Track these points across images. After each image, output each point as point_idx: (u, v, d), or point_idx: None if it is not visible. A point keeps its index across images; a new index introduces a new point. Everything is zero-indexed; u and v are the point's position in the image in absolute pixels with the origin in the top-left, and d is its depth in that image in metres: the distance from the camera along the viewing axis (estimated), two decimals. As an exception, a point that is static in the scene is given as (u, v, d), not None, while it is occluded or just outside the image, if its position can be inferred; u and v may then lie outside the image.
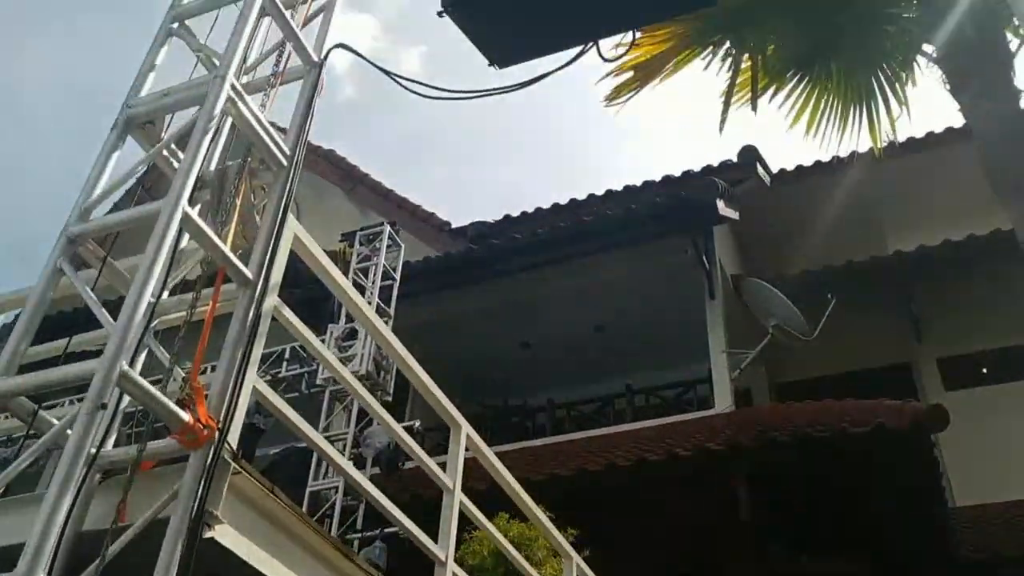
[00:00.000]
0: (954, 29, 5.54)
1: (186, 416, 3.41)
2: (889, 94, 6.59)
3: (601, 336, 11.66)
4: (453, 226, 13.38)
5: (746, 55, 6.76)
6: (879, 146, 7.04)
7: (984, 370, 11.08)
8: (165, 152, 4.50)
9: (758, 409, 10.23)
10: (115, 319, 3.52)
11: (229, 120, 4.68)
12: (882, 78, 6.51)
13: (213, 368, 4.18)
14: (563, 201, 12.71)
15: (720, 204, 10.24)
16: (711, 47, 6.80)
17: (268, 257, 4.22)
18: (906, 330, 11.28)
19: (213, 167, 4.67)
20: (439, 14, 4.69)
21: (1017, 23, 5.63)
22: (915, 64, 6.39)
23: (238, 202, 4.58)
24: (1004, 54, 5.62)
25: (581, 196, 12.66)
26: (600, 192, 12.63)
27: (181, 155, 4.33)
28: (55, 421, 3.77)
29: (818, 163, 11.91)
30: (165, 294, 4.20)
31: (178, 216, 3.80)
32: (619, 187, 12.53)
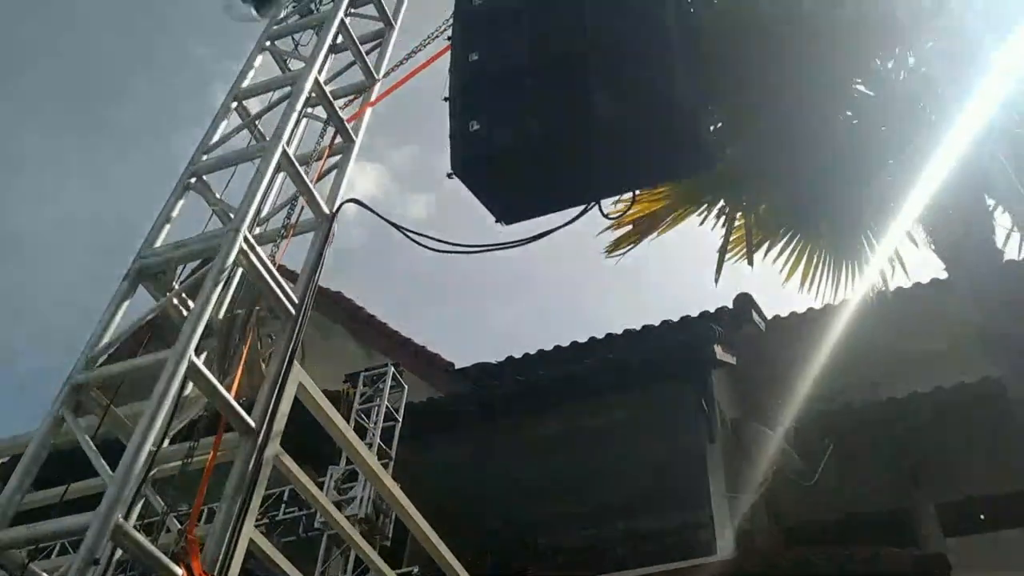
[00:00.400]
0: (936, 193, 5.68)
1: (180, 572, 3.29)
2: (878, 250, 6.70)
3: (601, 478, 11.42)
4: (456, 367, 13.32)
5: (739, 213, 6.91)
6: (871, 297, 7.11)
7: (982, 516, 10.84)
8: (175, 300, 4.51)
9: (760, 554, 9.91)
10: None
11: (240, 270, 4.72)
12: (870, 235, 6.64)
13: (211, 511, 4.07)
14: (564, 344, 12.70)
15: (718, 350, 10.25)
16: (706, 204, 6.97)
17: (272, 406, 4.17)
18: (904, 475, 11.09)
19: (221, 314, 4.68)
20: (448, 175, 4.81)
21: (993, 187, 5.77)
22: (902, 224, 6.52)
23: (244, 350, 4.57)
24: (983, 215, 5.75)
25: (582, 339, 12.67)
26: (600, 336, 12.65)
27: (191, 303, 4.35)
28: (44, 576, 3.63)
29: (811, 310, 11.97)
30: (166, 442, 4.12)
31: (184, 366, 3.78)
32: (619, 331, 12.54)
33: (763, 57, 6.19)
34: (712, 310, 12.04)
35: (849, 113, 6.49)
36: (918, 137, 5.83)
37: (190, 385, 4.13)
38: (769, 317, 12.39)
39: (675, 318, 12.45)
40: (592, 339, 12.70)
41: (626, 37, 5.01)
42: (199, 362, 3.94)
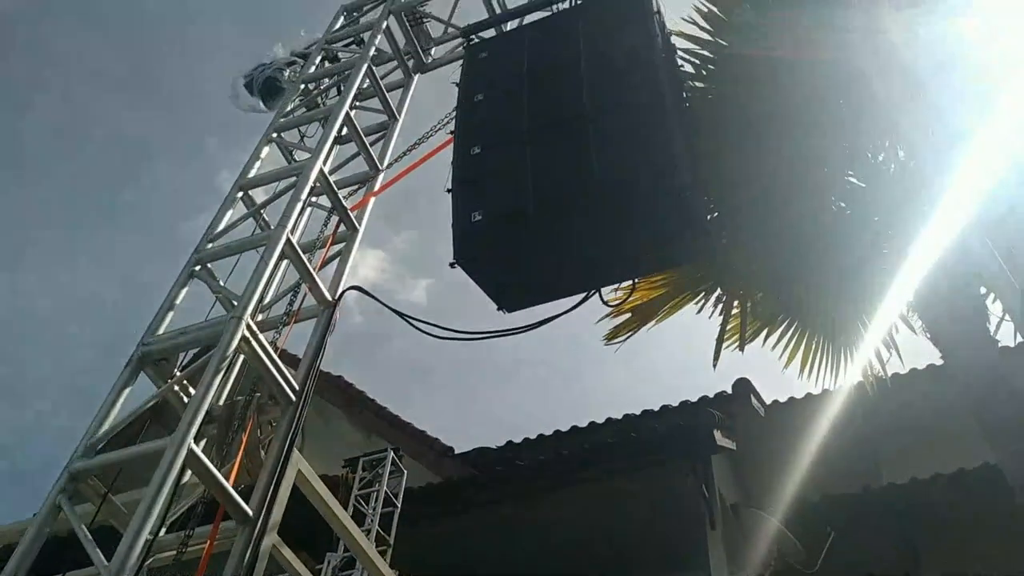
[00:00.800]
0: (929, 282, 5.70)
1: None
2: (874, 337, 6.69)
3: (601, 564, 11.15)
4: (456, 451, 13.16)
5: (736, 301, 6.93)
6: (869, 383, 7.08)
7: (985, 600, 10.55)
8: (176, 387, 4.48)
9: (763, 646, 9.61)
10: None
11: (241, 356, 4.70)
12: (866, 322, 6.64)
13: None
14: (564, 428, 12.59)
15: (718, 435, 10.13)
16: (703, 292, 7.00)
17: (270, 495, 4.10)
18: (906, 561, 10.84)
19: (222, 401, 4.64)
20: (451, 265, 4.85)
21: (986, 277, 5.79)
22: (897, 312, 6.53)
23: (244, 437, 4.52)
24: (978, 305, 5.76)
25: (582, 424, 12.57)
26: (601, 420, 12.55)
27: (191, 389, 4.32)
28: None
29: (809, 395, 11.90)
30: (163, 531, 4.04)
31: (183, 455, 3.73)
32: (619, 416, 12.45)
33: (756, 148, 6.30)
34: (711, 395, 11.96)
35: (843, 204, 6.57)
36: (910, 226, 5.87)
37: (189, 472, 4.07)
38: (768, 402, 12.32)
39: (675, 402, 12.38)
40: (592, 423, 12.59)
41: (625, 119, 5.10)
42: (198, 449, 3.89)
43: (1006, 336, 6.17)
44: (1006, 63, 5.72)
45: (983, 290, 5.84)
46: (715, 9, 6.74)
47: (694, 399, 12.16)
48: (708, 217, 6.53)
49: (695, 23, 6.74)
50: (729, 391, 11.86)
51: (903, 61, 5.29)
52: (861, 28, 5.56)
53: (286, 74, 6.75)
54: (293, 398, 4.61)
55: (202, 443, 4.20)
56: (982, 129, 5.68)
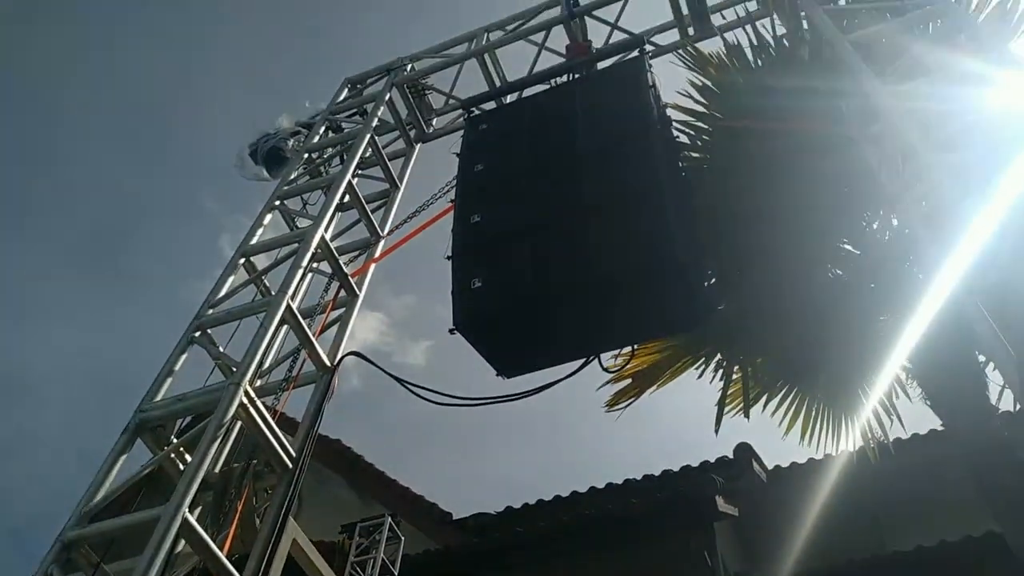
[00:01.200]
0: (927, 348, 5.69)
1: None
2: (874, 403, 6.65)
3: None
4: (454, 517, 12.96)
5: (736, 366, 6.91)
6: (871, 449, 7.02)
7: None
8: (172, 454, 4.45)
9: None
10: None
11: (239, 423, 4.68)
12: (866, 388, 6.60)
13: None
14: (564, 493, 12.41)
15: (720, 501, 9.99)
16: (703, 358, 6.98)
17: (264, 565, 4.04)
18: (915, 628, 10.55)
19: (219, 467, 4.60)
20: (451, 331, 4.86)
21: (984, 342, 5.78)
22: (896, 378, 6.50)
23: (239, 505, 4.47)
24: (974, 370, 5.74)
25: (582, 489, 12.39)
26: (601, 485, 12.37)
27: (188, 456, 4.28)
28: None
29: (811, 460, 11.75)
30: (155, 602, 3.96)
31: (177, 524, 3.68)
32: (620, 480, 12.28)
33: (752, 217, 6.34)
34: (713, 459, 11.82)
35: (839, 271, 6.59)
36: (906, 294, 5.87)
37: (183, 541, 4.01)
38: (770, 467, 12.16)
39: (676, 467, 12.22)
40: (592, 488, 12.42)
41: (623, 193, 5.16)
42: (192, 519, 3.84)
43: (1007, 402, 6.13)
44: (999, 132, 5.79)
45: (982, 358, 5.82)
46: (708, 82, 6.87)
47: (695, 463, 12.02)
48: (706, 284, 6.56)
49: (690, 96, 6.88)
50: (731, 455, 11.73)
51: (893, 129, 5.35)
52: (850, 96, 5.65)
53: (290, 143, 6.86)
54: (290, 465, 4.56)
55: (197, 511, 4.15)
56: (976, 196, 5.73)
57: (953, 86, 5.64)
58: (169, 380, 4.72)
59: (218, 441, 4.18)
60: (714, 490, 9.97)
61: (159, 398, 4.59)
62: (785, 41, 6.80)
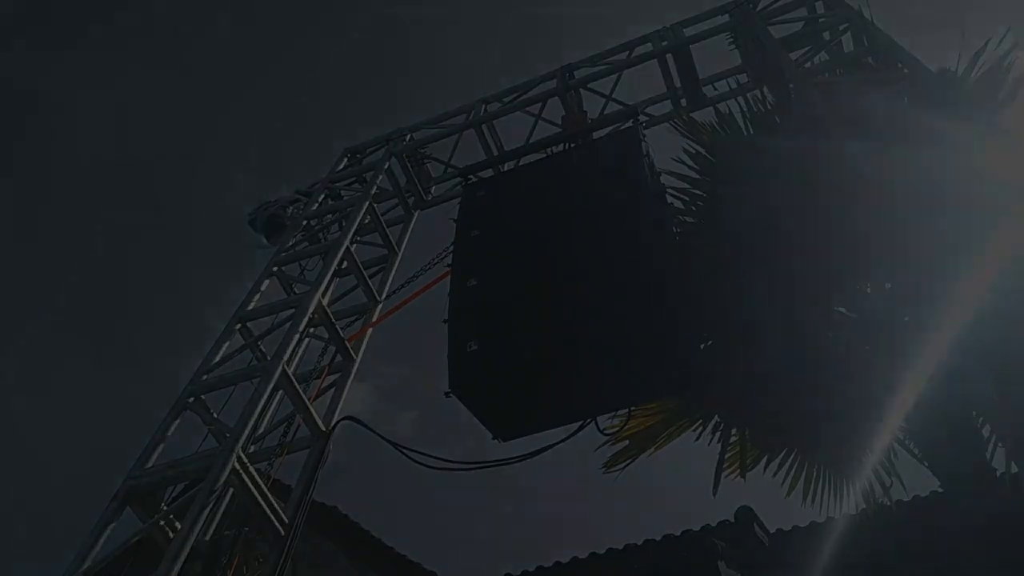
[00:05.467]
0: (924, 409, 5.56)
1: None
2: (874, 465, 6.48)
3: None
4: (456, 583, 12.60)
5: (734, 428, 6.76)
6: (873, 510, 6.84)
7: None
8: (161, 522, 4.28)
9: None
10: None
11: (231, 489, 4.52)
12: (865, 450, 6.43)
13: None
14: (564, 560, 12.07)
15: (721, 565, 9.70)
16: (700, 420, 6.84)
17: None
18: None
19: (209, 535, 4.44)
20: (446, 395, 4.75)
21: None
22: (892, 439, 6.36)
23: (230, 574, 4.29)
24: (971, 430, 5.61)
25: (583, 555, 12.05)
26: (601, 551, 12.04)
27: (178, 524, 4.12)
28: None
29: (813, 523, 11.46)
30: None
31: (162, 597, 3.50)
32: (620, 546, 11.95)
33: (746, 279, 6.27)
34: (714, 523, 11.54)
35: (831, 334, 6.48)
36: (902, 355, 5.75)
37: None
38: (772, 530, 11.87)
39: (677, 531, 11.92)
40: (592, 554, 12.09)
41: (616, 261, 5.11)
42: (179, 593, 3.67)
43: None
44: (990, 195, 5.75)
45: (980, 419, 5.69)
46: (701, 150, 6.89)
47: (697, 527, 11.72)
48: (702, 347, 6.46)
49: (683, 162, 6.89)
50: (732, 519, 11.45)
51: (882, 192, 5.32)
52: (840, 161, 5.63)
53: (289, 211, 6.82)
54: (282, 532, 4.39)
55: (185, 583, 3.97)
56: (970, 258, 5.66)
57: (943, 152, 5.63)
58: (160, 446, 4.58)
59: (209, 508, 4.02)
60: (716, 554, 9.69)
61: (150, 465, 4.44)
62: (777, 118, 6.84)
